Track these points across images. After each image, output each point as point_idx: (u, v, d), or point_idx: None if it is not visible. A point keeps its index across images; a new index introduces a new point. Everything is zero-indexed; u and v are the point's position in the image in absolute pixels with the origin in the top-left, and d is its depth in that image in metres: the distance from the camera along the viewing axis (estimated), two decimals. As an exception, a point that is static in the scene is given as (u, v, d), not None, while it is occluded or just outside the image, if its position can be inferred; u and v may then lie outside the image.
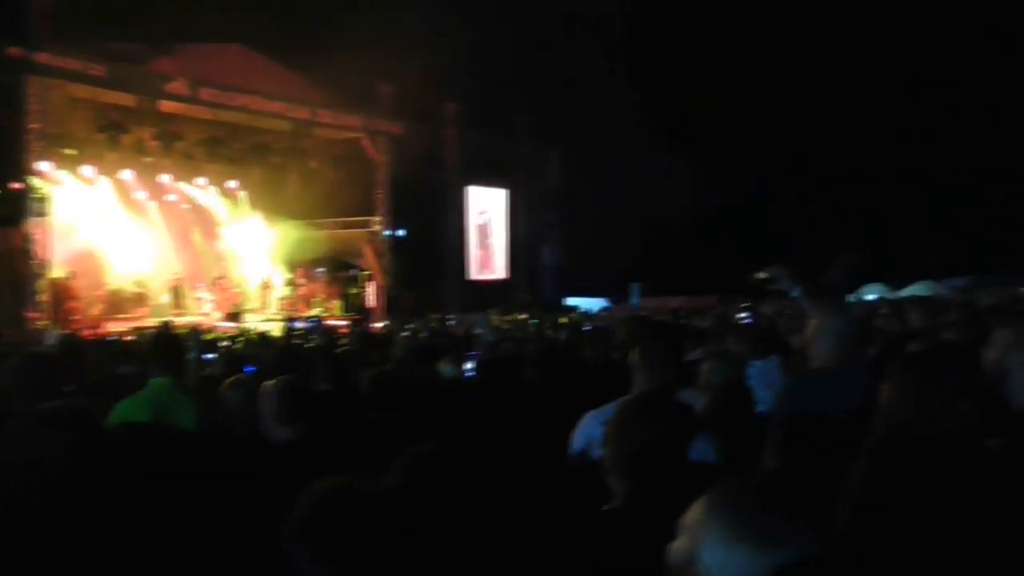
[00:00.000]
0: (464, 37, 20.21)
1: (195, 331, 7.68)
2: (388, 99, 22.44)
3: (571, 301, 27.72)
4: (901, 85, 26.44)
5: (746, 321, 7.42)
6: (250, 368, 6.29)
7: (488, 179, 27.02)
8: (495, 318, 16.47)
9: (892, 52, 25.87)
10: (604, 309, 24.12)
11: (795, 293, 3.53)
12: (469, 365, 5.33)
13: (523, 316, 15.75)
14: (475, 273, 26.82)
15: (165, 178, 20.84)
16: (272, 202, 23.03)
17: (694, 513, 1.40)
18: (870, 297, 18.60)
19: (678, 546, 1.41)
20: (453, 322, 15.05)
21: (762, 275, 3.62)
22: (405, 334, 11.19)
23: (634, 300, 26.65)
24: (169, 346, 4.03)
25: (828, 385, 2.66)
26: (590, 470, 2.80)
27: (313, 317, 10.19)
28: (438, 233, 24.99)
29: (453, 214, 25.66)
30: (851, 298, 18.56)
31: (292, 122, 20.76)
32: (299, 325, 9.09)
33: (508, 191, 28.05)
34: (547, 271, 29.63)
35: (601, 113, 25.38)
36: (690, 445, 2.49)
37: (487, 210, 27.56)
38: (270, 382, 3.14)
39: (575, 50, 25.38)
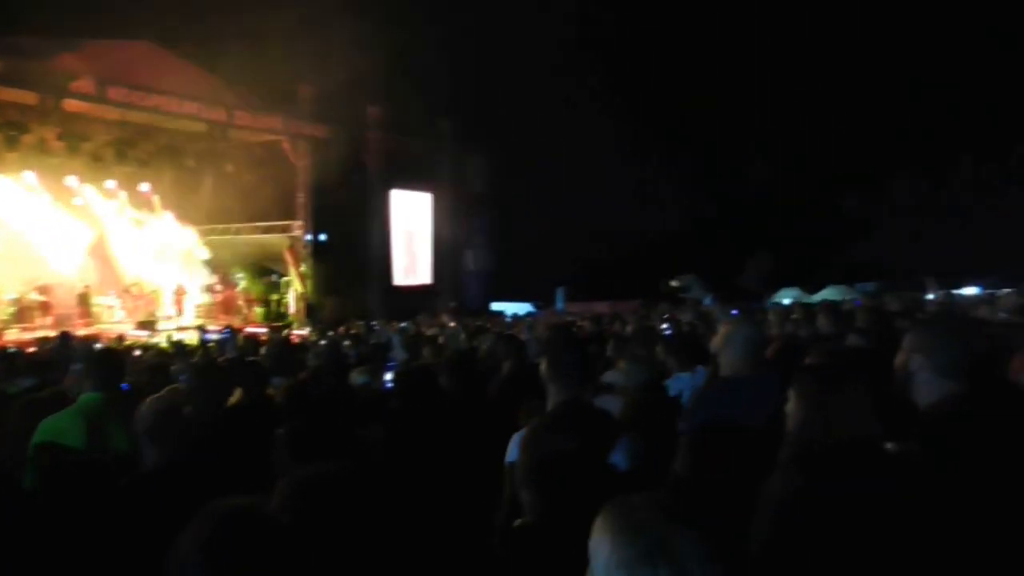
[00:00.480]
0: (388, 39, 19.96)
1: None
2: (309, 101, 22.00)
3: (497, 306, 27.72)
4: (792, 92, 27.37)
5: (667, 332, 7.49)
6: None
7: (412, 183, 26.78)
8: (423, 319, 16.30)
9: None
10: (529, 314, 24.19)
11: (707, 301, 3.56)
12: (388, 376, 5.22)
13: (452, 324, 15.65)
14: (400, 279, 26.53)
15: (72, 180, 19.91)
16: (187, 206, 22.31)
17: (593, 532, 1.35)
18: (785, 301, 19.19)
19: (589, 570, 1.36)
20: (378, 328, 14.81)
21: (675, 283, 3.65)
22: (324, 342, 10.94)
23: (559, 305, 26.86)
24: (108, 360, 3.81)
25: (738, 393, 2.67)
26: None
27: (227, 327, 9.73)
28: (361, 238, 24.60)
29: (376, 219, 25.31)
30: (768, 302, 19.15)
31: (207, 123, 20.11)
32: (212, 336, 8.63)
33: (432, 195, 27.87)
34: (472, 276, 29.55)
35: (527, 117, 25.51)
36: (607, 455, 2.48)
37: (412, 215, 27.32)
38: (147, 401, 2.96)
39: (499, 54, 25.44)
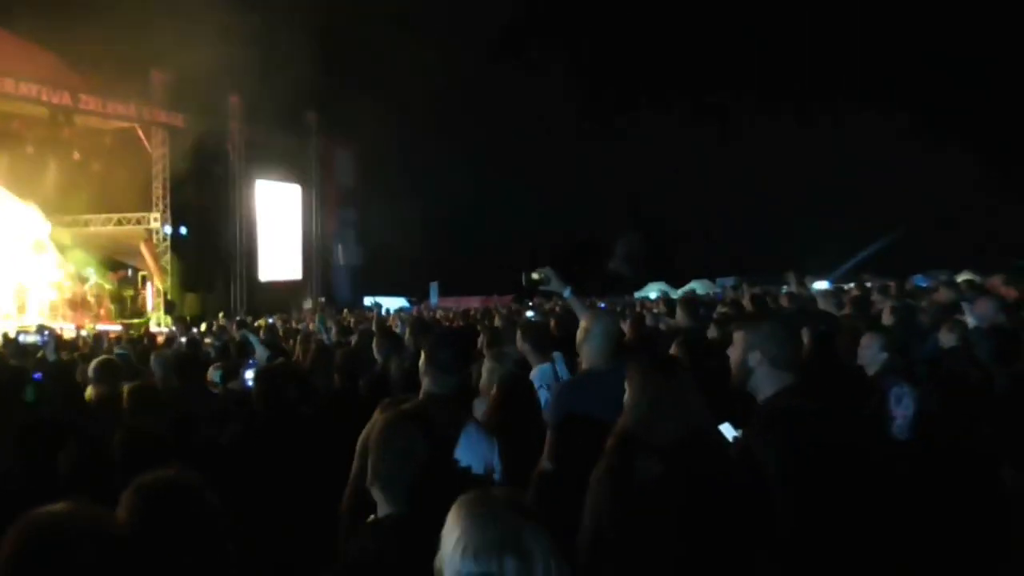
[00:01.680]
0: (249, 26, 19.10)
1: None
2: (164, 87, 20.80)
3: (368, 301, 27.24)
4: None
5: (532, 318, 7.57)
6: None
7: (279, 175, 25.91)
8: (292, 314, 15.77)
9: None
10: (402, 308, 23.94)
11: (567, 293, 3.60)
12: (248, 374, 4.96)
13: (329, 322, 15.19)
14: (266, 273, 25.61)
15: None
16: (27, 195, 20.58)
17: (446, 522, 1.39)
18: (652, 295, 19.91)
19: (437, 558, 1.38)
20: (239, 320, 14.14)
21: (535, 275, 3.66)
22: (183, 339, 10.42)
23: (433, 299, 26.75)
24: None
25: (596, 386, 2.72)
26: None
27: (43, 327, 8.92)
28: (224, 231, 23.57)
29: (240, 211, 24.31)
30: (637, 294, 19.86)
31: (49, 107, 18.62)
32: (28, 338, 7.84)
33: (301, 188, 27.08)
34: (342, 270, 28.96)
35: (396, 111, 25.18)
36: (452, 453, 2.47)
37: (279, 207, 26.43)
38: None
39: (367, 46, 24.97)
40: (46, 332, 7.90)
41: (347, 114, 25.71)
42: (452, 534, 1.35)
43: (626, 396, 2.15)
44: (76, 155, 20.09)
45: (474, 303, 21.35)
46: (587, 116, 28.79)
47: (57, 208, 20.64)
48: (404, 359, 5.06)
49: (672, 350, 3.83)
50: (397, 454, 2.06)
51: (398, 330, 7.32)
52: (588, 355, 2.86)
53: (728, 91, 27.87)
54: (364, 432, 2.72)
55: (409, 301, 26.85)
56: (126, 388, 4.36)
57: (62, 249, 21.27)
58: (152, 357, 5.55)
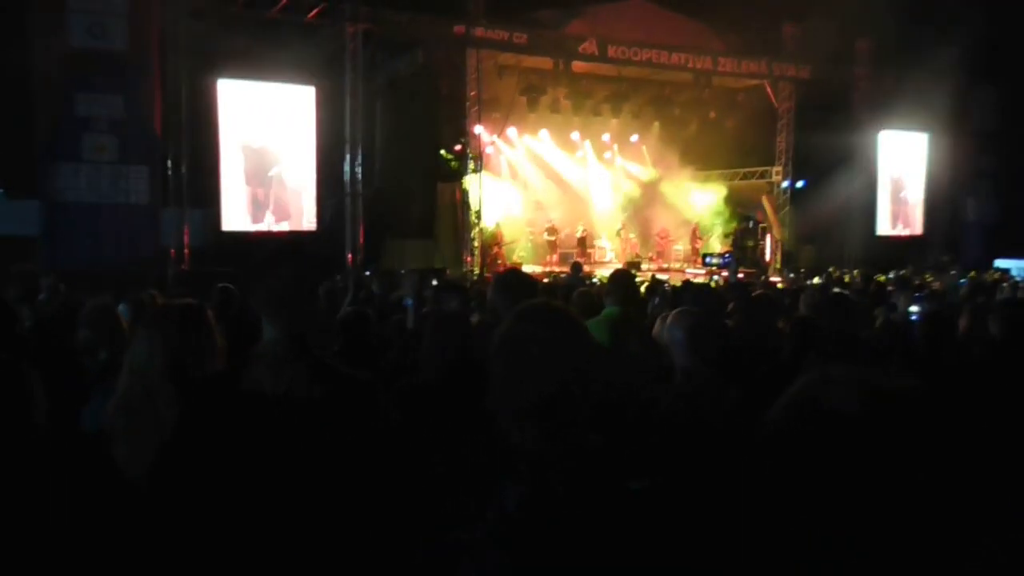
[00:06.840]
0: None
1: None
2: (794, 40, 21.19)
3: (1002, 263, 23.73)
4: None
5: None
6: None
7: (905, 123, 24.17)
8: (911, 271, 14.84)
9: None
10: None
11: None
12: (914, 308, 4.96)
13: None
14: (884, 228, 24.42)
15: (575, 135, 22.46)
16: (672, 155, 23.51)
17: None
18: None
19: None
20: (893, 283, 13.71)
21: None
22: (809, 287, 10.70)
23: (1089, 268, 22.00)
24: (623, 282, 4.58)
25: None
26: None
27: (728, 252, 10.10)
28: (844, 184, 23.11)
29: (862, 163, 23.51)
30: None
31: (693, 72, 20.67)
32: (712, 261, 9.12)
33: (929, 136, 24.85)
34: (972, 227, 25.75)
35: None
36: None
37: (902, 158, 24.78)
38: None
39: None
40: (729, 256, 9.16)
41: (993, 45, 22.45)
42: None
43: None
44: (712, 114, 22.03)
45: None
46: None
47: (696, 164, 23.08)
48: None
49: None
50: None
51: None
52: None
53: None
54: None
55: (1057, 269, 22.53)
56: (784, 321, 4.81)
57: (696, 201, 23.77)
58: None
